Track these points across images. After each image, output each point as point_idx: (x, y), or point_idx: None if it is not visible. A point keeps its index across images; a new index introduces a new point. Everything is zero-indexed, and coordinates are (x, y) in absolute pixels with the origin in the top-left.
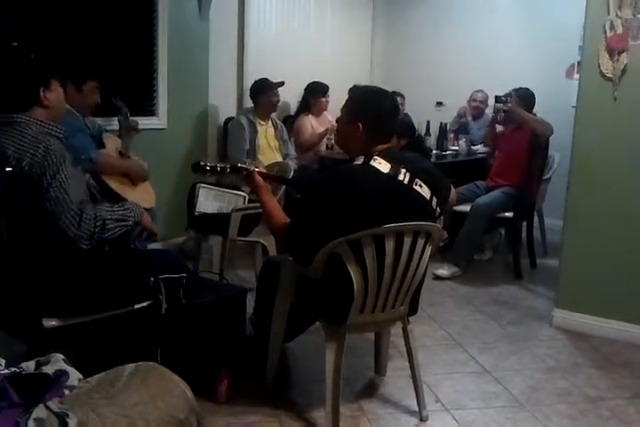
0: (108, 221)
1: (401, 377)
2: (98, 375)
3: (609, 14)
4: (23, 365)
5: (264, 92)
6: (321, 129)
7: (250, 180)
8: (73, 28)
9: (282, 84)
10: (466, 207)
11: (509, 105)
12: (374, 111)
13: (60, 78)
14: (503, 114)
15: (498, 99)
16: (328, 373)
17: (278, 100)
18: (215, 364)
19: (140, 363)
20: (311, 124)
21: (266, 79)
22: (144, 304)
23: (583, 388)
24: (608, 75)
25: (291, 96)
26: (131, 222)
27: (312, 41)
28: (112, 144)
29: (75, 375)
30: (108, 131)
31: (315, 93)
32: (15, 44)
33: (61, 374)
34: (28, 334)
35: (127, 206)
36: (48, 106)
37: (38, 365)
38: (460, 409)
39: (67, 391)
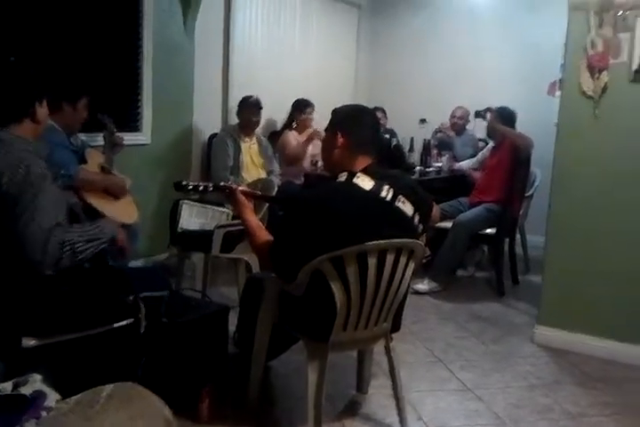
0: (77, 244)
1: (383, 395)
2: (76, 396)
3: (590, 32)
4: (0, 386)
5: (243, 109)
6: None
7: (232, 198)
8: (58, 43)
9: (260, 108)
10: (448, 224)
11: (488, 119)
12: (353, 123)
13: (52, 96)
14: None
15: (477, 114)
16: (310, 391)
17: (258, 122)
18: (197, 382)
19: (118, 383)
20: (296, 139)
21: (250, 97)
22: (124, 323)
23: (564, 405)
24: (589, 93)
25: (276, 112)
26: (105, 240)
27: (297, 58)
28: (94, 159)
29: (53, 396)
30: (91, 146)
31: (297, 109)
32: (13, 58)
33: (39, 396)
34: (5, 354)
35: (99, 224)
36: (38, 121)
37: (15, 386)
38: None
39: (44, 413)
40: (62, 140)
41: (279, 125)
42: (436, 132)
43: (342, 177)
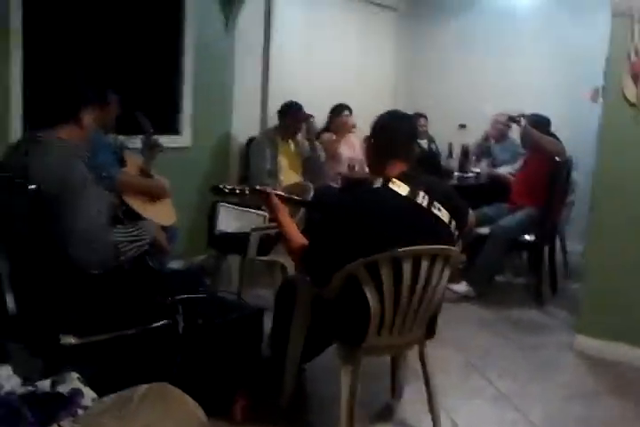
0: (121, 245)
1: (418, 401)
2: (111, 396)
3: (633, 40)
4: (38, 383)
5: (289, 116)
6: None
7: (267, 202)
8: (98, 42)
9: (308, 117)
10: (485, 229)
11: (522, 125)
12: (385, 128)
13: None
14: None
15: (511, 119)
16: (343, 396)
17: (300, 128)
18: (231, 384)
19: (152, 384)
20: (330, 139)
21: (296, 104)
22: (161, 323)
23: (601, 416)
24: (632, 100)
25: (315, 117)
26: (146, 241)
27: (336, 62)
28: (133, 162)
29: (89, 395)
30: (129, 148)
31: (334, 113)
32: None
33: (75, 394)
34: (45, 351)
35: (141, 226)
36: (83, 126)
37: (54, 384)
38: None
39: (80, 411)
40: (104, 143)
41: (318, 129)
42: (484, 139)
43: (378, 182)
